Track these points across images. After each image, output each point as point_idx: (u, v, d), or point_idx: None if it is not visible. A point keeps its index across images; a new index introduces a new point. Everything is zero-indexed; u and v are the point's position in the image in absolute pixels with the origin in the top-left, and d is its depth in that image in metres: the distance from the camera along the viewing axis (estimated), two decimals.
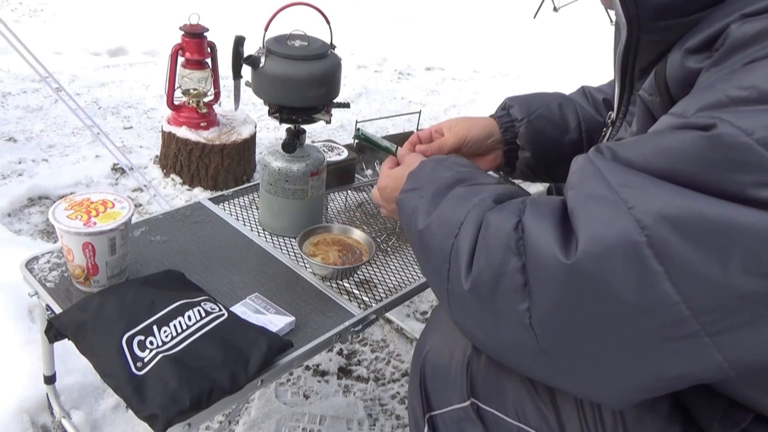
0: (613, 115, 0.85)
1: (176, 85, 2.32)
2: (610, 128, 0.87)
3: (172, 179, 2.43)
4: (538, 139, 1.08)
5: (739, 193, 0.52)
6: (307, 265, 1.21)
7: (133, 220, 1.20)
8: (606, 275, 0.57)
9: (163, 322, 0.94)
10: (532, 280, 0.62)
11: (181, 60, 2.29)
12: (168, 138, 2.37)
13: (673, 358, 0.58)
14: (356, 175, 1.55)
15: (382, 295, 1.18)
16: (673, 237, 0.53)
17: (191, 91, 2.32)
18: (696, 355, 0.56)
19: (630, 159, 0.59)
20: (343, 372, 1.66)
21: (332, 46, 1.22)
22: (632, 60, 0.76)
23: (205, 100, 2.36)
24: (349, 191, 1.52)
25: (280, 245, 1.29)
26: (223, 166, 2.37)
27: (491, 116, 1.12)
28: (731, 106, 0.54)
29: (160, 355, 0.89)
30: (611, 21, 5.47)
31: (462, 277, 0.69)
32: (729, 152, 0.52)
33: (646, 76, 0.73)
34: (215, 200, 1.43)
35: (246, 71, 1.21)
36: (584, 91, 1.14)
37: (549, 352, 0.63)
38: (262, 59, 1.15)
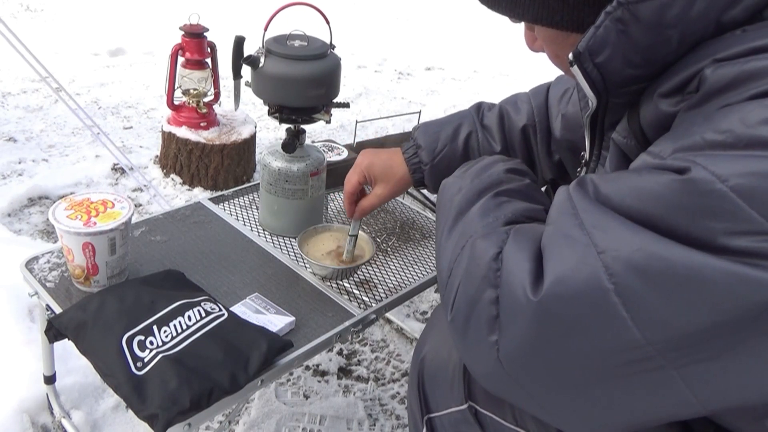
0: (587, 155, 0.86)
1: (176, 85, 2.32)
2: (585, 168, 0.87)
3: (172, 179, 2.43)
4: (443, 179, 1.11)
5: (710, 240, 0.51)
6: (307, 265, 1.21)
7: (133, 220, 1.20)
8: (571, 316, 0.57)
9: (163, 322, 0.94)
10: (503, 313, 0.62)
11: (181, 60, 2.29)
12: (168, 138, 2.37)
13: (641, 392, 0.58)
14: None
15: (382, 295, 1.18)
16: (641, 286, 0.53)
17: (191, 91, 2.32)
18: (664, 389, 0.57)
19: (609, 196, 0.59)
20: (343, 372, 1.66)
21: (332, 46, 1.22)
22: (601, 118, 0.77)
23: (205, 100, 2.36)
24: None
25: (280, 245, 1.29)
26: (223, 166, 2.37)
27: (402, 152, 1.13)
28: (707, 149, 0.54)
29: (160, 355, 0.89)
30: None
31: (449, 307, 0.70)
32: (702, 199, 0.52)
33: (616, 126, 0.73)
34: (215, 200, 1.43)
35: (246, 71, 1.21)
36: (502, 113, 1.14)
37: (519, 383, 0.64)
38: (262, 59, 1.15)
